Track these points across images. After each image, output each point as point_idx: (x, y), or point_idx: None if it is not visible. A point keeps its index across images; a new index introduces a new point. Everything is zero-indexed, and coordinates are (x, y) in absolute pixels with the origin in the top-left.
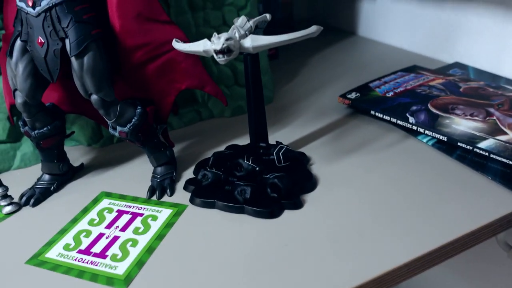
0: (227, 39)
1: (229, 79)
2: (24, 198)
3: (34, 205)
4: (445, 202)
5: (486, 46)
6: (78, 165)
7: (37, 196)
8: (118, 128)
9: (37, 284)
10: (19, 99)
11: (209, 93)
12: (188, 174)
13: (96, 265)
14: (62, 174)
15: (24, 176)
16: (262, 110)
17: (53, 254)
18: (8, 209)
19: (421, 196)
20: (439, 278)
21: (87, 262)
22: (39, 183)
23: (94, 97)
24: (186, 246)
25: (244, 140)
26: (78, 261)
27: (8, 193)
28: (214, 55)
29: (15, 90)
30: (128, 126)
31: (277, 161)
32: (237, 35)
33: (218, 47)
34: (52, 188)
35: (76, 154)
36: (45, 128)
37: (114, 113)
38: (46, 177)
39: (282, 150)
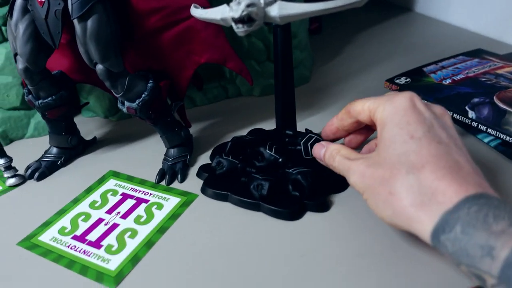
0: (248, 5)
1: (261, 53)
2: (29, 171)
3: (39, 179)
4: None
5: None
6: (90, 139)
7: (42, 169)
8: (126, 104)
9: (25, 269)
10: (20, 65)
11: (232, 69)
12: (205, 158)
13: (89, 256)
14: (71, 148)
15: (37, 146)
16: (291, 91)
17: (47, 237)
18: (11, 181)
19: None
20: None
21: (79, 251)
22: (46, 156)
23: (99, 66)
24: (189, 243)
25: (271, 124)
26: (71, 248)
27: (13, 164)
28: (233, 24)
29: (15, 54)
30: (137, 102)
31: (304, 152)
32: (261, 0)
33: (237, 15)
34: (59, 162)
35: (91, 126)
36: (49, 98)
37: (121, 86)
38: (54, 150)
39: (311, 140)
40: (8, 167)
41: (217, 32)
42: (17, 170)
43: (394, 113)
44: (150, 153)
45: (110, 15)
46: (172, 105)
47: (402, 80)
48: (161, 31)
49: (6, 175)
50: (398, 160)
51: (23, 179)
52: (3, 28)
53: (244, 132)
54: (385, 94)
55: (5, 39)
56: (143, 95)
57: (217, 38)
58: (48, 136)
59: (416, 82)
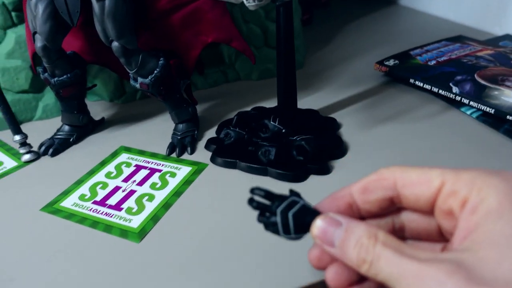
0: None
1: (258, 39)
2: (43, 148)
3: (53, 155)
4: None
5: None
6: (98, 119)
7: (56, 146)
8: (139, 80)
9: (51, 231)
10: (38, 43)
11: (237, 48)
12: (210, 134)
13: (111, 217)
14: (82, 126)
15: (45, 128)
16: (293, 69)
17: (68, 203)
18: (26, 157)
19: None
20: None
21: (101, 213)
22: (58, 133)
23: (115, 44)
24: (204, 205)
25: (271, 104)
26: (93, 211)
27: (28, 141)
28: (244, 0)
29: (35, 33)
30: (149, 78)
31: (283, 229)
32: None
33: None
34: (71, 140)
35: (97, 109)
36: (65, 76)
37: (135, 62)
38: (66, 128)
39: (295, 208)
40: (24, 143)
41: (223, 13)
42: (31, 147)
43: (503, 191)
44: (157, 130)
45: None
46: (180, 83)
47: (391, 62)
48: (171, 13)
49: (21, 151)
50: None
51: (38, 155)
52: (13, 13)
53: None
54: (468, 170)
55: (15, 24)
56: (155, 72)
57: (223, 18)
58: (61, 114)
59: (404, 63)
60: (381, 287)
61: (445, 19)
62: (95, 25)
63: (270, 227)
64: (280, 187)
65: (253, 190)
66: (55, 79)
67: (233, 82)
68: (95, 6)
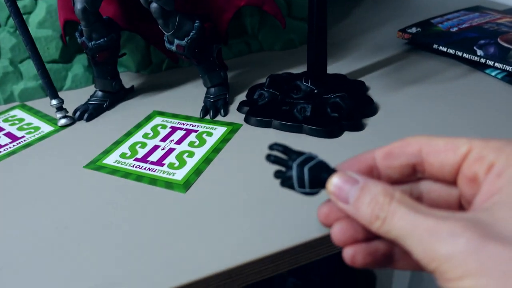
0: None
1: (282, 9)
2: (78, 113)
3: (88, 119)
4: None
5: None
6: (129, 87)
7: (90, 111)
8: (176, 41)
9: (97, 186)
10: (79, 5)
11: (268, 11)
12: (240, 98)
13: (154, 171)
14: (114, 92)
15: (75, 97)
16: (324, 33)
17: (110, 160)
18: (63, 121)
19: (490, 122)
20: None
21: (144, 169)
22: (92, 99)
23: (154, 5)
24: (242, 160)
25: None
26: (136, 167)
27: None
28: None
29: None
30: (185, 40)
31: (298, 183)
32: None
33: None
34: (105, 105)
35: (125, 79)
36: (101, 40)
37: (172, 24)
38: (99, 93)
39: (311, 163)
40: (60, 107)
41: None
42: (67, 112)
43: None
44: (187, 96)
45: None
46: (213, 47)
47: (413, 30)
48: None
49: (58, 115)
50: None
51: (73, 120)
52: None
53: None
54: (495, 139)
55: None
56: (191, 34)
57: None
58: (94, 81)
59: (426, 31)
60: (387, 248)
61: None
62: None
63: (286, 181)
64: (316, 143)
65: (271, 146)
66: (93, 42)
67: (256, 53)
68: None
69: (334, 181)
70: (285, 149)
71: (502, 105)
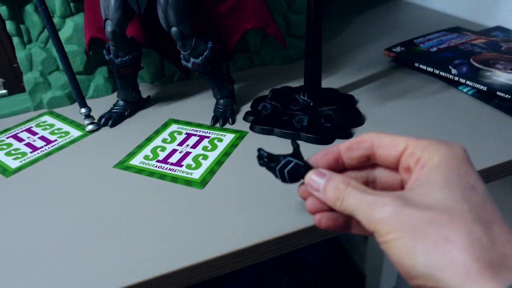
0: None
1: (282, 29)
2: (103, 120)
3: (112, 125)
4: (485, 140)
5: None
6: (145, 97)
7: (114, 118)
8: (192, 60)
9: (126, 183)
10: (109, 28)
11: (271, 33)
12: (245, 109)
13: (174, 171)
14: (134, 102)
15: (97, 104)
16: (319, 52)
17: (136, 161)
18: (90, 127)
19: (461, 135)
20: None
21: (166, 169)
22: (115, 108)
23: (174, 29)
24: (248, 162)
25: (293, 85)
26: (158, 168)
27: (80, 119)
28: None
29: (106, 19)
30: (200, 59)
31: (281, 179)
32: None
33: None
34: (126, 113)
35: (141, 89)
36: (127, 57)
37: (189, 45)
38: (121, 103)
39: (289, 166)
40: (88, 115)
41: (262, 3)
42: (94, 119)
43: (452, 157)
44: (198, 106)
45: None
46: (223, 64)
47: (398, 49)
48: (218, 3)
49: (86, 122)
50: (459, 206)
51: (99, 127)
52: (71, 4)
53: None
54: (425, 139)
55: (73, 13)
56: (205, 53)
57: (261, 8)
58: (117, 91)
59: (409, 50)
60: (345, 219)
61: (444, 12)
62: (158, 13)
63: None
64: (311, 149)
65: (259, 150)
66: (119, 59)
67: (258, 67)
68: None
69: (309, 175)
70: (268, 154)
71: (470, 118)
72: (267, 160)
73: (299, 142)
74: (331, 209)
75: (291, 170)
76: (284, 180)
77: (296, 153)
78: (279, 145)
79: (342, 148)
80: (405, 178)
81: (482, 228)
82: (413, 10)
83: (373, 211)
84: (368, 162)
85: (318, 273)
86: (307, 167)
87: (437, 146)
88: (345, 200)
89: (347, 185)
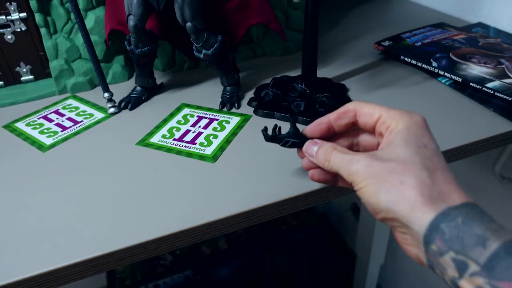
0: None
1: (282, 23)
2: (123, 103)
3: (131, 109)
4: (456, 124)
5: (508, 8)
6: (159, 84)
7: (133, 102)
8: (203, 51)
9: (149, 158)
10: (131, 22)
11: (273, 28)
12: (249, 95)
13: (189, 148)
14: (150, 88)
15: (115, 90)
16: (315, 45)
17: (155, 139)
18: (112, 110)
19: (436, 119)
20: None
21: (182, 146)
22: (133, 93)
23: (189, 24)
24: (252, 141)
25: (292, 74)
26: (175, 145)
27: (99, 102)
28: None
29: (129, 15)
30: (211, 50)
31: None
32: None
33: None
34: (143, 98)
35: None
36: (146, 48)
37: (202, 38)
38: (139, 88)
39: (288, 144)
40: (110, 99)
41: (265, 2)
42: (115, 103)
43: (412, 124)
44: (206, 92)
45: None
46: (230, 55)
47: (386, 43)
48: (227, 1)
49: (108, 105)
50: (412, 159)
51: (119, 109)
52: None
53: None
54: (394, 109)
55: (94, 7)
56: (215, 45)
57: (265, 6)
58: (135, 78)
59: (397, 44)
60: (333, 174)
61: (431, 8)
62: (174, 9)
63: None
64: None
65: (262, 131)
66: (139, 50)
67: (260, 57)
68: None
69: (306, 144)
70: (270, 138)
71: (447, 106)
72: (270, 139)
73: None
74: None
75: (290, 146)
76: (288, 147)
77: (293, 130)
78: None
79: (332, 117)
80: (380, 141)
81: (427, 173)
82: (403, 5)
83: (350, 166)
84: (353, 127)
85: (312, 253)
86: (303, 141)
87: (402, 116)
88: (331, 160)
89: (333, 149)
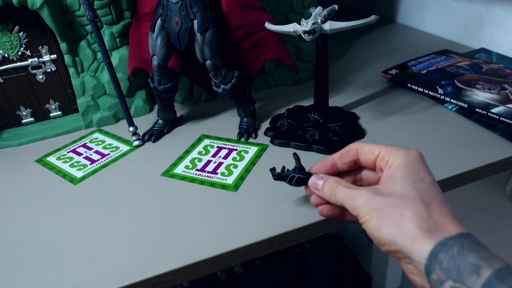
0: (313, 23)
1: (292, 55)
2: (146, 136)
3: (154, 141)
4: (463, 149)
5: (510, 35)
6: (179, 116)
7: (155, 135)
8: (222, 86)
9: (174, 188)
10: (155, 62)
11: (286, 63)
12: (265, 125)
13: (211, 178)
14: (171, 121)
15: (137, 123)
16: (326, 77)
17: (178, 170)
18: (137, 142)
19: (444, 145)
20: None
21: (204, 176)
22: (156, 126)
23: (208, 62)
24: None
25: (304, 104)
26: (198, 175)
27: (123, 135)
28: (302, 34)
29: (153, 55)
30: (229, 85)
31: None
32: (319, 20)
33: (307, 29)
34: (165, 130)
35: None
36: (168, 84)
37: (220, 74)
38: (161, 122)
39: (294, 179)
40: (135, 132)
41: (279, 39)
42: (140, 135)
43: (409, 159)
44: (225, 123)
45: (217, 30)
46: (246, 88)
47: (393, 71)
48: (243, 39)
49: (133, 138)
50: (410, 193)
51: (143, 142)
52: (117, 39)
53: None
54: (392, 146)
55: (118, 47)
56: (233, 81)
57: (278, 43)
58: (157, 112)
59: (403, 72)
60: (340, 209)
61: (435, 35)
62: (195, 49)
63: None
64: (321, 159)
65: (271, 170)
66: (161, 86)
67: (273, 88)
68: (198, 37)
69: (311, 179)
70: (277, 176)
71: (453, 131)
72: (277, 177)
73: (311, 153)
74: (329, 203)
75: (296, 180)
76: (294, 185)
77: (298, 166)
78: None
79: (336, 157)
80: (380, 175)
81: (424, 206)
82: (408, 32)
83: (354, 200)
84: (356, 166)
85: (326, 276)
86: (308, 176)
87: (399, 151)
88: (336, 194)
89: (338, 184)
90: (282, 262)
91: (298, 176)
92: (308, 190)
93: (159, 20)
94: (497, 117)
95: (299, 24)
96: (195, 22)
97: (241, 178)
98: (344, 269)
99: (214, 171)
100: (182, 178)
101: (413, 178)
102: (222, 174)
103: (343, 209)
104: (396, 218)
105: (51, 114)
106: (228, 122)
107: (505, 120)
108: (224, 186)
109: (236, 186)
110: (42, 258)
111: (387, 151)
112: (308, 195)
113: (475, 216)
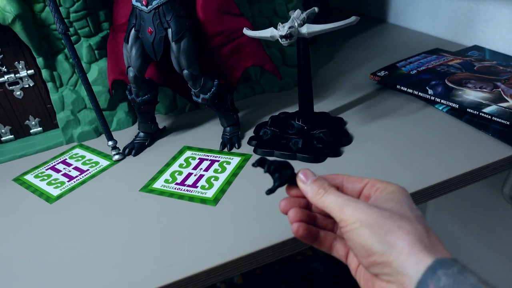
0: (290, 27)
1: (278, 60)
2: (127, 150)
3: (135, 155)
4: (455, 152)
5: (502, 30)
6: (161, 128)
7: (136, 148)
8: (201, 96)
9: (152, 204)
10: (131, 73)
11: (268, 69)
12: (248, 134)
13: (191, 192)
14: (153, 133)
15: (119, 136)
16: (309, 82)
17: (158, 185)
18: (116, 157)
19: (436, 147)
20: (448, 233)
21: (184, 190)
22: (136, 139)
23: (185, 71)
24: (253, 181)
25: (290, 110)
26: (177, 189)
27: (104, 149)
28: (279, 39)
29: (129, 66)
30: (208, 94)
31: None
32: (296, 24)
33: (283, 33)
34: (146, 143)
35: (157, 120)
36: (146, 96)
37: (199, 84)
38: (142, 134)
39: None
40: (115, 147)
41: (258, 45)
42: (120, 150)
43: (399, 191)
44: (208, 133)
45: (193, 38)
46: (227, 97)
47: (382, 73)
48: (222, 46)
49: (113, 152)
50: (407, 214)
51: (124, 156)
52: (96, 51)
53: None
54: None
55: (97, 59)
56: (212, 89)
57: (258, 49)
58: (138, 124)
59: (392, 73)
60: (316, 231)
61: (426, 33)
62: (171, 58)
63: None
64: (305, 167)
65: (256, 163)
66: (140, 98)
67: (259, 95)
68: (174, 46)
69: (304, 169)
70: (260, 162)
71: (444, 133)
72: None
73: (295, 161)
74: (306, 220)
75: (282, 178)
76: (277, 182)
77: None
78: None
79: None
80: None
81: (422, 227)
82: (399, 32)
83: (345, 206)
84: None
85: (329, 282)
86: (292, 170)
87: (389, 183)
88: (325, 196)
89: (330, 187)
90: (283, 271)
91: (285, 161)
92: (289, 190)
93: (133, 31)
94: (489, 117)
95: (277, 28)
96: (169, 31)
97: (222, 190)
98: (346, 276)
99: (194, 185)
100: (161, 193)
101: (408, 204)
102: (202, 187)
103: (317, 234)
104: (393, 229)
105: (31, 131)
106: (212, 132)
107: (498, 119)
108: (203, 200)
109: (216, 200)
110: (13, 278)
111: (378, 181)
112: (282, 210)
113: (473, 218)
